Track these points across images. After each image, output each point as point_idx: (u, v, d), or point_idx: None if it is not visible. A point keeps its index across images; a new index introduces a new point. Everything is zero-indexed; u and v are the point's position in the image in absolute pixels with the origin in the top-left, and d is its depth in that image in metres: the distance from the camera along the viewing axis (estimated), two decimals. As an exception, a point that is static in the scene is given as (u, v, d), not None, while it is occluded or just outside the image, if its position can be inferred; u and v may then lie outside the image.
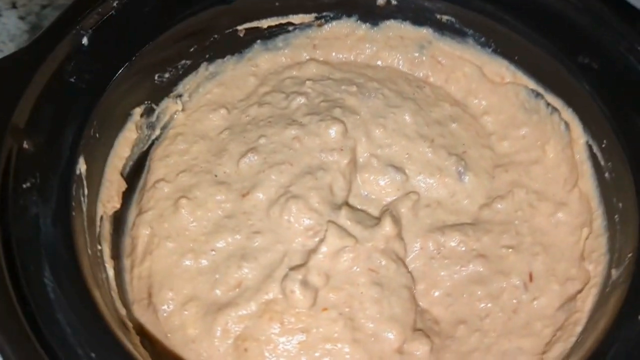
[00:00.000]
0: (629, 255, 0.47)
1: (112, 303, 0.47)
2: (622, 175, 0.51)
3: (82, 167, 0.49)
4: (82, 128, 0.49)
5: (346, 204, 0.57)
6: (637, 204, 0.48)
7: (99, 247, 0.49)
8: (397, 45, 0.67)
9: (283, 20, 0.64)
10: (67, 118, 0.49)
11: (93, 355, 0.39)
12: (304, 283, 0.51)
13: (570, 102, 0.57)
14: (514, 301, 0.53)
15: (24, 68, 0.49)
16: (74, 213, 0.46)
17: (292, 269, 0.52)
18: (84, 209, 0.48)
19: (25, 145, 0.47)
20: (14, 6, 1.01)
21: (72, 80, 0.51)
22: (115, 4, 0.55)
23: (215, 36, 0.61)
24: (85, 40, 0.53)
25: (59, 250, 0.43)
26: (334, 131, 0.58)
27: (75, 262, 0.43)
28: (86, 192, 0.49)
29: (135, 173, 0.58)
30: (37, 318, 0.39)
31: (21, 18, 1.02)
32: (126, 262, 0.55)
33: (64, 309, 0.40)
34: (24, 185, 0.45)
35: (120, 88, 0.53)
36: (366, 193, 0.59)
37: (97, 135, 0.51)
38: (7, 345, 0.36)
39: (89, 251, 0.46)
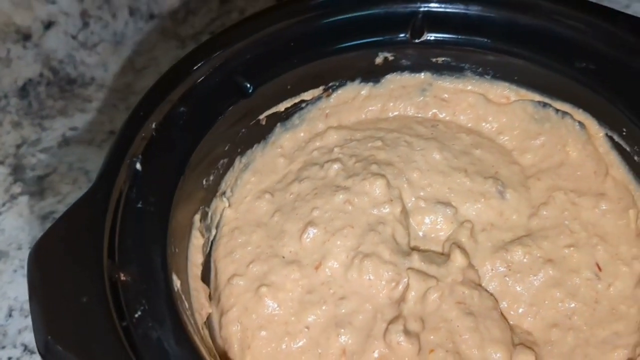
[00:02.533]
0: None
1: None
2: (652, 154, 0.56)
3: (177, 283, 0.51)
4: (164, 248, 0.52)
5: (412, 248, 0.60)
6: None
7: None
8: (400, 95, 0.72)
9: (297, 99, 0.68)
10: (148, 242, 0.51)
11: None
12: (406, 332, 0.53)
13: (578, 103, 0.63)
14: (592, 293, 0.57)
15: (97, 205, 0.52)
16: (189, 328, 0.47)
17: (391, 322, 0.54)
18: (192, 322, 0.50)
19: (122, 277, 0.48)
20: (-14, 154, 0.99)
21: (140, 205, 0.53)
22: (154, 125, 0.58)
23: (243, 130, 0.65)
24: (138, 166, 0.55)
25: (193, 367, 0.45)
26: (378, 186, 0.62)
27: (210, 373, 0.45)
28: (187, 306, 0.51)
29: (205, 277, 0.60)
30: None
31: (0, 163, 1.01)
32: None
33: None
34: (136, 315, 0.47)
35: (181, 201, 0.56)
36: (422, 234, 0.63)
37: (176, 250, 0.54)
38: None
39: (211, 360, 0.48)
